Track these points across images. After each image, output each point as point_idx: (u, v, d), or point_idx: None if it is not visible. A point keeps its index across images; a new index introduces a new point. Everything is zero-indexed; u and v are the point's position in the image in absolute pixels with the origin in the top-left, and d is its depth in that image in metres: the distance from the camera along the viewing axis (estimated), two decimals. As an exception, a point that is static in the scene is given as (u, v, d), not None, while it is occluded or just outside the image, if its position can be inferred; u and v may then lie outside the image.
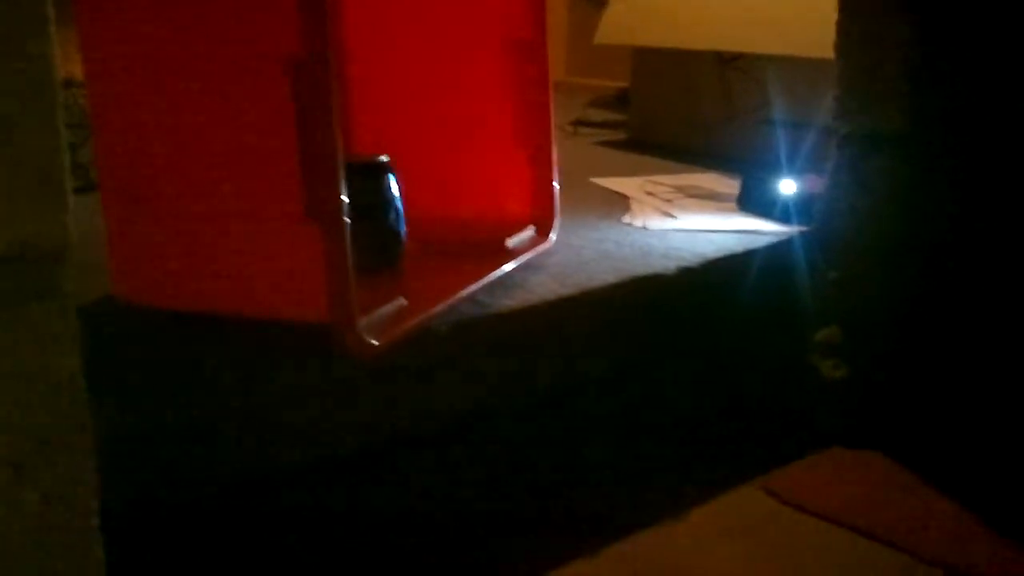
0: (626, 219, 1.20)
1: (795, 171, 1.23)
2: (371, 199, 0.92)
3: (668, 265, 1.01)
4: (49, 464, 0.52)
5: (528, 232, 1.03)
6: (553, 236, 1.04)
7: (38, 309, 0.51)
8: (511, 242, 0.99)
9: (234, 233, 0.79)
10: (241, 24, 0.75)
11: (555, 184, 1.05)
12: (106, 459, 0.55)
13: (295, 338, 0.76)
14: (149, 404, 0.68)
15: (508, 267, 0.93)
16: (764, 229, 1.15)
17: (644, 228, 1.16)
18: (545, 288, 0.92)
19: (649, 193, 1.34)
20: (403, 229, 0.96)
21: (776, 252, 1.11)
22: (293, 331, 0.76)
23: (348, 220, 0.72)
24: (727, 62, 1.62)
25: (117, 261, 0.84)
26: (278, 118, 0.73)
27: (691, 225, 1.17)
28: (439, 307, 0.82)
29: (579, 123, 1.97)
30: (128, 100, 0.81)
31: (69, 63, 0.86)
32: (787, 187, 1.19)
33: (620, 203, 1.29)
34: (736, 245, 1.09)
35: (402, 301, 0.81)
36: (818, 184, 1.13)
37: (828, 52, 1.08)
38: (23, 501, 0.51)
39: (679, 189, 1.37)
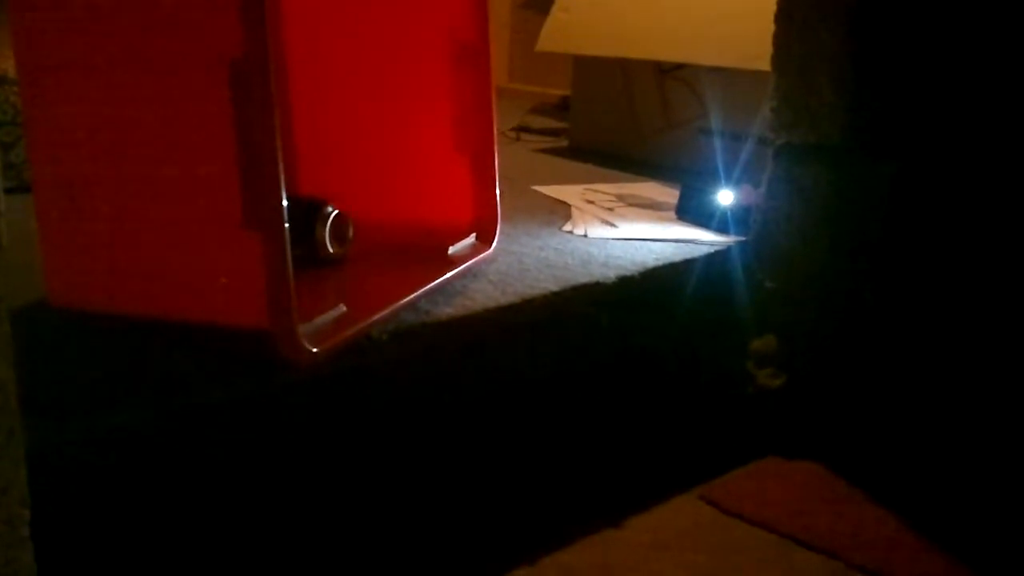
0: (567, 227, 1.21)
1: (733, 181, 1.25)
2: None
3: (608, 274, 1.02)
4: (-24, 474, 0.50)
5: (470, 239, 1.03)
6: (494, 244, 1.04)
7: (-34, 314, 0.49)
8: (452, 249, 0.99)
9: (171, 236, 0.78)
10: (179, 23, 0.73)
11: (497, 191, 1.06)
12: (36, 467, 0.53)
13: (233, 344, 0.75)
14: (81, 411, 0.67)
15: (449, 275, 0.93)
16: (702, 239, 1.17)
17: (585, 236, 1.17)
18: (486, 296, 0.92)
19: (589, 201, 1.36)
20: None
21: (714, 261, 1.13)
22: (231, 336, 0.75)
23: (287, 225, 0.71)
24: (666, 72, 1.64)
25: (51, 263, 0.82)
26: (217, 120, 0.71)
27: (631, 234, 1.19)
28: (379, 314, 0.82)
29: (521, 129, 1.98)
30: (62, 98, 0.78)
31: (2, 60, 0.84)
32: (725, 197, 1.22)
33: (561, 211, 1.30)
34: (675, 254, 1.11)
35: (342, 308, 0.80)
36: (755, 194, 1.16)
37: (765, 64, 1.11)
38: (-51, 512, 0.49)
39: (619, 198, 1.38)
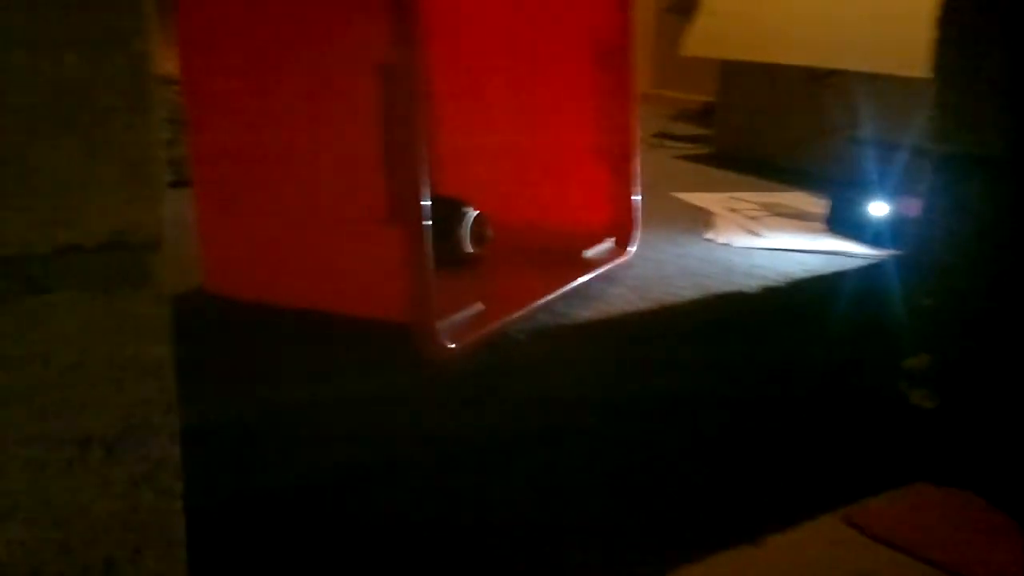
0: (709, 235, 1.18)
1: (886, 192, 1.19)
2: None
3: (751, 283, 0.99)
4: (138, 446, 0.53)
5: (607, 243, 1.02)
6: (632, 249, 1.03)
7: (133, 296, 0.52)
8: (590, 253, 0.99)
9: (320, 231, 0.81)
10: (334, 29, 0.76)
11: (636, 196, 1.04)
12: (189, 444, 0.56)
13: (372, 337, 0.77)
14: (232, 393, 0.70)
15: (586, 278, 0.92)
16: (854, 251, 1.12)
17: (727, 245, 1.14)
18: (623, 301, 0.91)
19: (733, 210, 1.32)
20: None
21: (866, 276, 1.08)
22: (371, 330, 0.77)
23: (429, 223, 0.73)
24: (818, 78, 1.58)
25: (208, 255, 0.87)
26: (366, 121, 0.74)
27: (777, 244, 1.15)
28: (516, 314, 0.82)
29: (663, 136, 1.95)
30: (222, 99, 0.83)
31: (166, 61, 0.89)
32: (878, 209, 1.16)
33: (703, 218, 1.27)
34: (824, 267, 1.06)
35: (480, 306, 0.81)
36: (912, 206, 1.10)
37: (922, 71, 1.05)
38: (113, 481, 0.52)
39: (765, 207, 1.34)
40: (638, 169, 1.04)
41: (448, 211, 0.97)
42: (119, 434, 0.52)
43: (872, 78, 1.45)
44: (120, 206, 0.50)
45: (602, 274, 0.96)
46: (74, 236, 0.49)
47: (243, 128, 0.83)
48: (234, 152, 0.83)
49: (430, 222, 0.73)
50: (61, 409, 0.50)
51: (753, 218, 1.27)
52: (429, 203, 0.73)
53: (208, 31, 0.83)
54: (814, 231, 1.21)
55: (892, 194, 1.18)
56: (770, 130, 1.68)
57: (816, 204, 1.34)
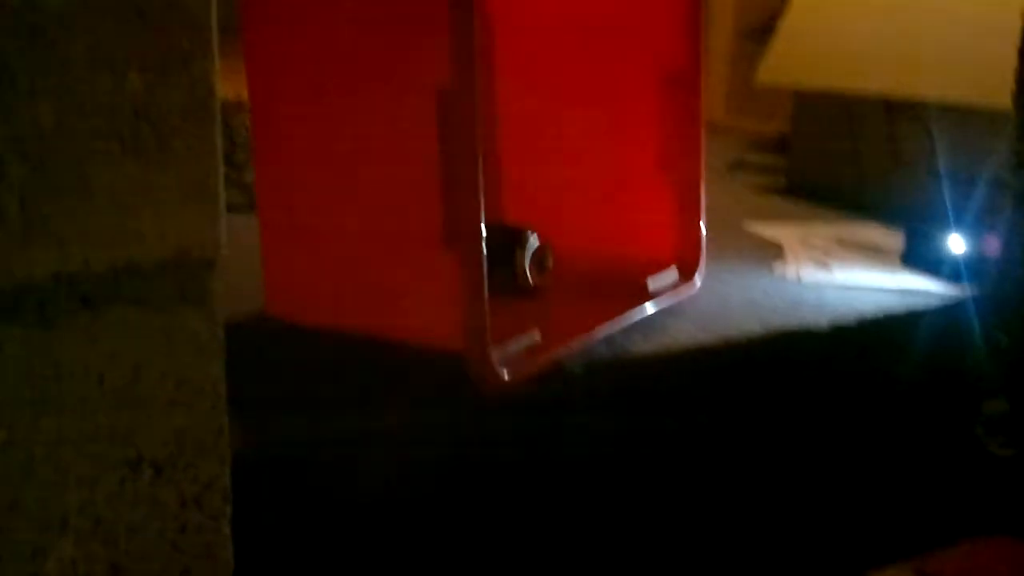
0: (778, 269, 1.15)
1: (964, 227, 1.15)
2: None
3: (820, 321, 0.95)
4: (188, 467, 0.53)
5: (671, 274, 1.00)
6: (698, 280, 1.01)
7: (189, 315, 0.53)
8: (652, 283, 0.97)
9: (379, 256, 0.81)
10: (395, 54, 0.77)
11: (702, 225, 1.02)
12: (239, 466, 0.56)
13: (431, 365, 0.76)
14: (286, 418, 0.70)
15: (648, 309, 0.91)
16: (930, 289, 1.08)
17: (797, 279, 1.11)
18: (686, 334, 0.89)
19: (805, 243, 1.29)
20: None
21: (942, 314, 1.04)
22: (428, 357, 0.77)
23: (484, 247, 0.72)
24: (893, 108, 1.54)
25: (269, 278, 0.88)
26: (425, 145, 0.74)
27: (849, 280, 1.11)
28: (573, 344, 0.81)
29: (736, 165, 1.92)
30: (286, 123, 0.84)
31: (243, 87, 0.91)
32: (956, 244, 1.12)
33: (773, 251, 1.24)
34: (897, 304, 1.02)
35: (536, 336, 0.80)
36: (991, 242, 1.05)
37: (1003, 101, 1.01)
38: (163, 501, 0.53)
39: (838, 240, 1.30)
40: (703, 198, 1.02)
41: (509, 239, 0.96)
42: (170, 454, 0.53)
43: (951, 109, 1.41)
44: (179, 225, 0.51)
45: (665, 306, 0.94)
46: (132, 254, 0.50)
47: (305, 152, 0.84)
48: (296, 176, 0.84)
49: (485, 246, 0.72)
50: (114, 427, 0.51)
51: (826, 252, 1.24)
52: (484, 227, 0.72)
53: (272, 55, 0.84)
54: (888, 266, 1.17)
55: (970, 229, 1.14)
56: (844, 161, 1.64)
57: (891, 238, 1.30)
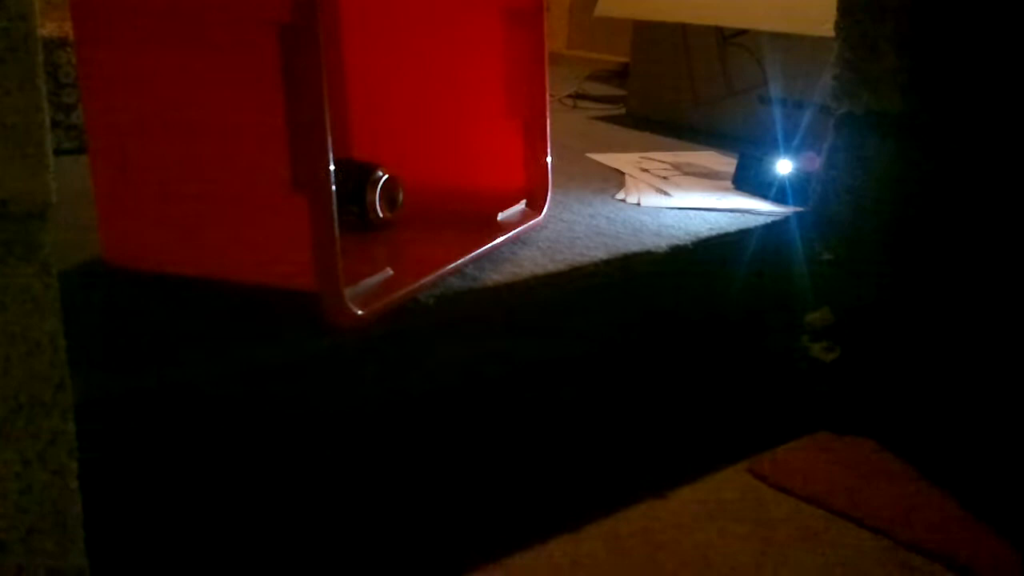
0: (620, 195, 1.20)
1: (792, 150, 1.22)
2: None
3: (660, 243, 1.00)
4: (28, 424, 0.52)
5: (519, 206, 1.03)
6: (545, 211, 1.03)
7: (18, 268, 0.51)
8: (502, 216, 0.99)
9: (222, 200, 0.79)
10: (231, -13, 0.74)
11: (548, 158, 1.04)
12: (85, 420, 0.55)
13: (280, 305, 0.76)
14: (131, 367, 0.68)
15: (497, 241, 0.93)
16: (759, 209, 1.15)
17: (638, 205, 1.16)
18: (534, 263, 0.92)
19: (644, 170, 1.34)
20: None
21: (771, 232, 1.11)
22: (279, 298, 0.76)
23: (334, 188, 0.72)
24: (727, 39, 1.60)
25: (106, 225, 0.84)
26: (267, 85, 0.72)
27: (685, 203, 1.17)
28: (426, 279, 0.82)
29: (578, 96, 1.96)
30: (117, 61, 0.80)
31: (67, 22, 0.86)
32: (783, 167, 1.19)
33: (615, 179, 1.28)
34: (730, 224, 1.09)
35: (389, 272, 0.80)
36: (815, 163, 1.13)
37: (829, 30, 1.07)
38: (3, 461, 0.51)
39: (675, 166, 1.36)
40: (549, 130, 1.05)
41: (358, 175, 0.96)
42: (8, 412, 0.51)
43: (779, 38, 1.48)
44: (2, 175, 0.48)
45: (513, 236, 0.96)
46: (-50, 208, 0.47)
47: (138, 92, 0.80)
48: (130, 117, 0.80)
49: (335, 188, 0.72)
50: (-55, 388, 0.49)
51: (664, 178, 1.29)
52: (334, 168, 0.72)
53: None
54: (723, 190, 1.23)
55: (797, 152, 1.21)
56: (681, 90, 1.70)
57: (725, 163, 1.36)
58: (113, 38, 0.80)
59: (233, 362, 0.72)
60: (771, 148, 1.25)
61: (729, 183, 1.26)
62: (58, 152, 0.51)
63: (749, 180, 1.23)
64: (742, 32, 1.57)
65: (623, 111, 1.84)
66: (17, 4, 0.47)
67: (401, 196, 0.99)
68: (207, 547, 0.73)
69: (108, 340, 0.71)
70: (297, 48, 0.71)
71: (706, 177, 1.30)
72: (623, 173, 1.32)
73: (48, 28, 1.17)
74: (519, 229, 0.97)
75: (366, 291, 0.77)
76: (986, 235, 1.00)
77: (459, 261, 0.86)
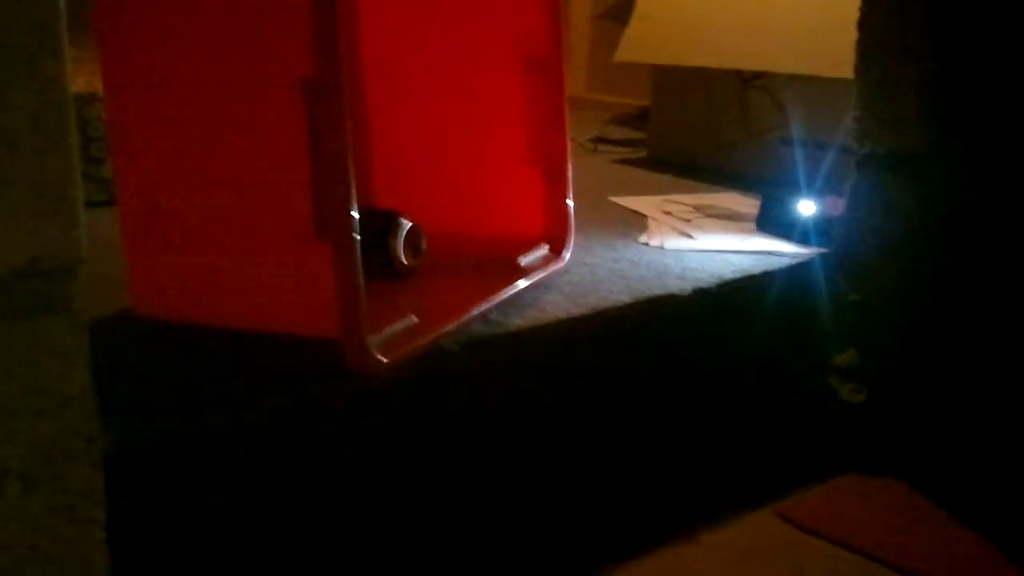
0: (643, 239, 1.20)
1: (815, 192, 1.22)
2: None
3: (684, 286, 1.00)
4: (57, 477, 0.52)
5: (542, 250, 1.03)
6: (567, 255, 1.04)
7: (50, 323, 0.51)
8: (524, 260, 0.99)
9: (248, 249, 0.80)
10: (257, 45, 0.76)
11: (569, 201, 1.05)
12: (115, 471, 0.55)
13: (307, 354, 0.76)
14: (161, 418, 0.69)
15: (520, 285, 0.93)
16: (783, 250, 1.15)
17: (661, 248, 1.16)
18: (557, 307, 0.92)
19: (667, 212, 1.34)
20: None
21: (795, 274, 1.10)
22: (305, 347, 0.77)
23: (359, 237, 0.73)
24: (747, 81, 1.61)
25: (134, 275, 0.85)
26: (291, 137, 0.73)
27: (709, 245, 1.17)
28: (450, 325, 0.82)
29: (599, 140, 1.97)
30: (145, 116, 0.82)
31: (96, 77, 0.88)
32: (807, 208, 1.19)
33: (637, 222, 1.29)
34: (754, 266, 1.08)
35: (413, 319, 0.81)
36: (838, 205, 1.12)
37: (848, 72, 1.08)
38: (32, 514, 0.51)
39: (698, 208, 1.36)
40: (570, 174, 1.05)
41: (382, 224, 0.97)
42: (39, 464, 0.51)
43: (799, 79, 1.49)
44: (33, 233, 0.50)
45: (536, 281, 0.96)
46: (-14, 265, 0.48)
47: (166, 145, 0.82)
48: (158, 170, 0.82)
49: (359, 236, 0.73)
50: (-23, 442, 0.49)
51: (686, 220, 1.29)
52: (358, 216, 0.73)
53: (127, 44, 0.82)
54: (746, 232, 1.23)
55: (820, 194, 1.21)
56: (702, 132, 1.71)
57: (748, 204, 1.37)
58: (142, 93, 0.82)
59: (259, 411, 0.72)
60: (793, 190, 1.25)
61: (752, 225, 1.26)
62: (87, 205, 0.52)
63: (772, 222, 1.23)
64: (762, 75, 1.58)
65: (644, 154, 1.85)
66: (50, 65, 0.49)
67: (424, 243, 0.99)
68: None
69: (136, 391, 0.71)
70: (321, 103, 0.72)
71: (729, 219, 1.30)
72: (646, 216, 1.32)
73: (78, 83, 1.21)
74: (542, 274, 0.98)
75: (390, 338, 0.78)
76: (1012, 276, 0.99)
77: (483, 307, 0.87)
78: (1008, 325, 0.99)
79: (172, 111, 0.80)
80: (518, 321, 0.88)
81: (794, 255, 1.13)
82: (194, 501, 0.70)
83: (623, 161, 1.80)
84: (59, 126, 0.49)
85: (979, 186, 1.00)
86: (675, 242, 1.18)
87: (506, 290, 0.91)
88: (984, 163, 1.00)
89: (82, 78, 1.21)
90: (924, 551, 0.86)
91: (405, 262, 0.97)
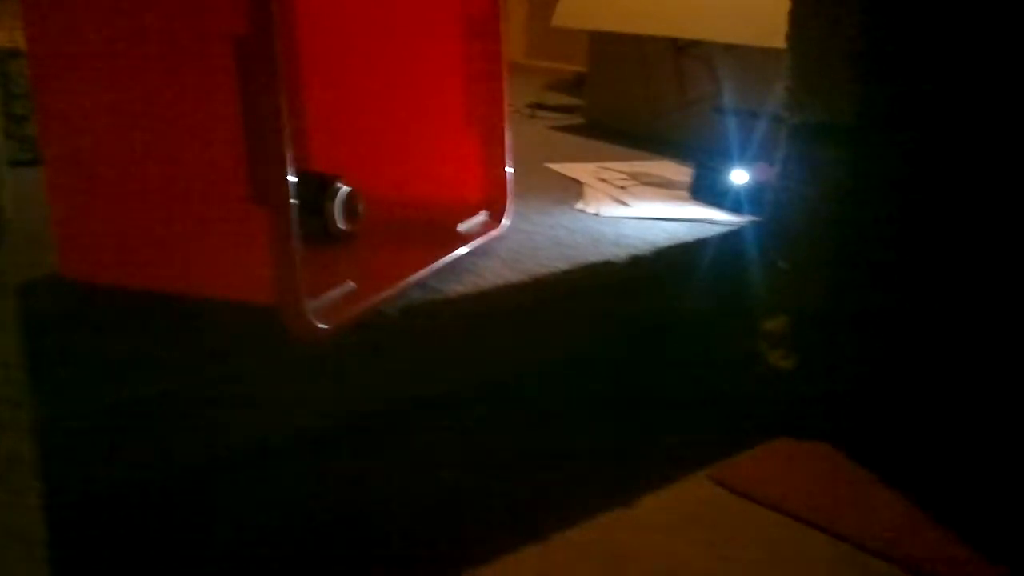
0: (579, 205, 1.20)
1: (747, 160, 1.24)
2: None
3: (619, 253, 1.01)
4: (-15, 445, 0.51)
5: (480, 217, 1.03)
6: (505, 221, 1.04)
7: (-27, 287, 0.50)
8: (462, 227, 0.99)
9: (181, 211, 0.78)
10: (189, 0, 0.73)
11: (508, 168, 1.05)
12: (47, 438, 0.54)
13: (243, 319, 0.75)
14: (91, 383, 0.67)
15: (459, 252, 0.93)
16: (716, 218, 1.16)
17: (597, 215, 1.17)
18: (495, 274, 0.92)
19: (602, 179, 1.35)
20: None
21: (727, 242, 1.12)
22: (241, 312, 0.75)
23: (296, 201, 0.71)
24: (681, 49, 1.62)
25: (62, 238, 0.83)
26: (224, 97, 0.71)
27: (643, 213, 1.18)
28: (388, 291, 0.82)
29: (536, 106, 1.97)
30: (70, 73, 0.79)
31: (18, 32, 0.84)
32: (739, 177, 1.21)
33: (574, 189, 1.29)
34: (687, 234, 1.10)
35: (351, 285, 0.80)
36: (770, 174, 1.14)
37: (780, 41, 1.09)
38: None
39: (632, 176, 1.37)
40: (509, 141, 1.05)
41: (318, 187, 0.96)
42: (-36, 433, 0.50)
43: (732, 49, 1.50)
44: (-47, 193, 0.48)
45: (475, 247, 0.96)
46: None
47: (94, 104, 0.79)
48: (84, 129, 0.79)
49: (296, 200, 0.72)
50: (-103, 409, 0.48)
51: (621, 188, 1.30)
52: (294, 180, 0.72)
53: (54, 2, 0.78)
54: (679, 199, 1.25)
55: (752, 162, 1.23)
56: (638, 100, 1.72)
57: (681, 172, 1.38)
58: (67, 48, 0.79)
59: (194, 377, 0.71)
60: (726, 158, 1.27)
61: (686, 193, 1.27)
62: (11, 164, 0.50)
63: (705, 190, 1.25)
64: (697, 43, 1.59)
65: (581, 121, 1.85)
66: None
67: (362, 207, 0.98)
68: (173, 562, 0.72)
69: (66, 357, 0.69)
70: (253, 60, 0.70)
71: (663, 187, 1.32)
72: (582, 183, 1.33)
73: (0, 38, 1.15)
74: (480, 240, 0.98)
75: (328, 304, 0.77)
76: (936, 240, 1.03)
77: (421, 273, 0.87)
78: (934, 291, 1.03)
79: (99, 66, 0.77)
80: (456, 287, 0.88)
81: (726, 223, 1.15)
82: (128, 470, 0.68)
83: (560, 128, 1.80)
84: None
85: (908, 156, 1.03)
86: (611, 209, 1.19)
87: (444, 257, 0.91)
88: (913, 134, 1.03)
89: (3, 32, 1.16)
90: (855, 514, 0.89)
91: (342, 226, 0.96)
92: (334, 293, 0.78)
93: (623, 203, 1.22)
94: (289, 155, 0.70)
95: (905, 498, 0.92)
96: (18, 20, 0.81)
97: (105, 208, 0.80)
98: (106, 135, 0.79)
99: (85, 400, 0.66)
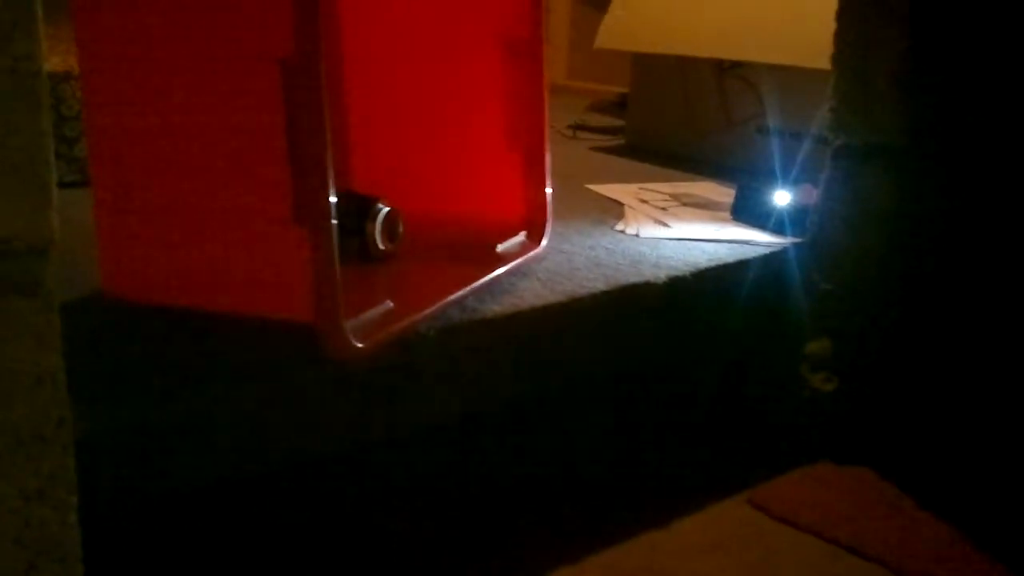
0: (619, 226, 1.20)
1: (790, 181, 1.23)
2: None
3: (659, 274, 1.01)
4: (28, 460, 0.52)
5: (519, 237, 1.03)
6: (544, 242, 1.04)
7: (21, 305, 0.51)
8: (501, 247, 0.99)
9: (223, 231, 0.79)
10: (234, 24, 0.75)
11: (548, 189, 1.05)
12: (87, 456, 0.55)
13: (282, 338, 0.76)
14: (133, 401, 0.68)
15: (497, 272, 0.93)
16: (757, 239, 1.15)
17: (637, 236, 1.16)
18: (534, 294, 0.92)
19: (643, 200, 1.34)
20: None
21: (769, 263, 1.11)
22: (280, 331, 0.76)
23: (337, 221, 0.72)
24: (725, 70, 1.62)
25: (106, 256, 0.84)
26: (269, 119, 0.73)
27: (684, 234, 1.17)
28: (426, 311, 0.82)
29: (578, 127, 1.97)
30: (120, 96, 0.81)
31: (71, 55, 0.87)
32: (781, 197, 1.19)
33: (614, 210, 1.29)
34: (728, 255, 1.09)
35: (389, 304, 0.81)
36: (812, 195, 1.13)
37: (825, 63, 1.08)
38: (3, 497, 0.51)
39: (674, 197, 1.37)
40: (549, 162, 1.05)
41: (359, 208, 0.97)
42: (9, 448, 0.51)
43: (777, 69, 1.49)
44: (3, 213, 0.49)
45: (513, 268, 0.96)
46: (-46, 246, 0.47)
47: (141, 126, 0.81)
48: (131, 150, 0.81)
49: (336, 220, 0.72)
50: (-53, 424, 0.49)
51: (662, 208, 1.30)
52: (335, 200, 0.72)
53: (105, 23, 0.80)
54: (721, 220, 1.24)
55: (795, 182, 1.22)
56: (680, 121, 1.71)
57: (723, 193, 1.37)
58: (117, 72, 0.81)
59: (234, 395, 0.72)
60: (769, 179, 1.26)
61: (727, 214, 1.26)
62: (60, 185, 0.51)
63: (747, 211, 1.23)
64: (740, 64, 1.58)
65: (622, 142, 1.85)
66: (24, 43, 0.48)
67: (401, 228, 0.99)
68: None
69: (109, 375, 0.71)
70: (298, 83, 0.71)
71: (704, 208, 1.31)
72: (622, 204, 1.32)
73: (52, 62, 1.19)
74: (519, 261, 0.98)
75: (366, 323, 0.77)
76: (982, 263, 1.01)
77: (459, 293, 0.87)
78: (979, 316, 1.01)
79: (148, 91, 0.79)
80: (495, 307, 0.88)
81: (768, 244, 1.14)
82: (168, 487, 0.69)
83: (601, 149, 1.81)
84: (32, 105, 0.49)
85: (953, 178, 1.01)
86: (651, 230, 1.19)
87: (483, 277, 0.91)
88: (958, 156, 1.01)
89: (57, 56, 1.19)
90: (894, 540, 0.87)
91: (382, 247, 0.97)
92: (372, 312, 0.79)
93: (664, 224, 1.22)
94: (331, 176, 0.71)
95: (946, 524, 0.90)
96: (71, 44, 0.83)
97: (149, 228, 0.82)
98: (152, 156, 0.81)
99: (127, 417, 0.67)
